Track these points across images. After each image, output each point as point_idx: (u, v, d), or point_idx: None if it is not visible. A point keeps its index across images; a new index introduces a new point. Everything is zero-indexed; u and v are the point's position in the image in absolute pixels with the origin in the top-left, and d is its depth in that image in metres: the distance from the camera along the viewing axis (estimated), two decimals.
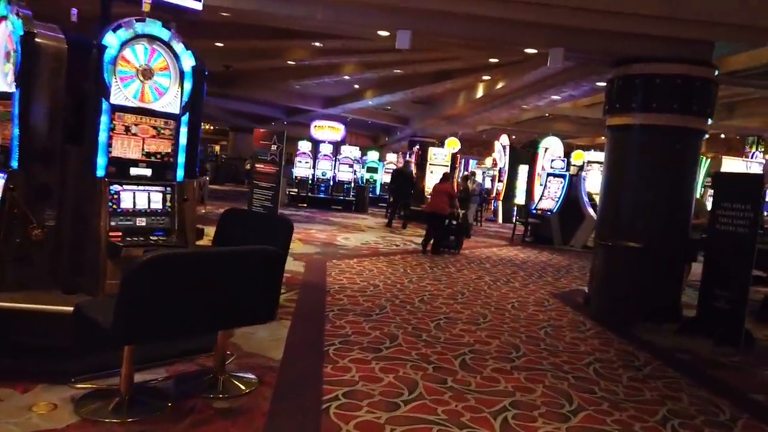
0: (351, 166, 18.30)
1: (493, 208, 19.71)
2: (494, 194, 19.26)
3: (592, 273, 6.90)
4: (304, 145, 18.24)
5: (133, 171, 3.69)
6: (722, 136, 18.42)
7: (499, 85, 11.20)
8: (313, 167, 17.97)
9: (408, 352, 4.37)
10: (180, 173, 3.88)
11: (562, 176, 13.37)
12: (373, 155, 22.26)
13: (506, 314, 5.97)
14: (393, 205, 14.41)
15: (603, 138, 24.58)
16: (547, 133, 18.04)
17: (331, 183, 17.90)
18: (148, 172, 3.74)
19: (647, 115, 6.34)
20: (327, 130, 18.39)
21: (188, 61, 3.78)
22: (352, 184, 18.25)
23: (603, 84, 8.82)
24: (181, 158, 3.87)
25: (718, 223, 5.82)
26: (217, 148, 37.01)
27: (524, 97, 11.26)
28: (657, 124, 6.31)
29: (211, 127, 35.38)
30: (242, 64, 12.71)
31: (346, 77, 13.08)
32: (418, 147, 20.46)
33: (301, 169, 18.13)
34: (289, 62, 11.65)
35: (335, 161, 17.97)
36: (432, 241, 9.75)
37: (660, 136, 6.33)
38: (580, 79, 8.59)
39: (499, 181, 18.51)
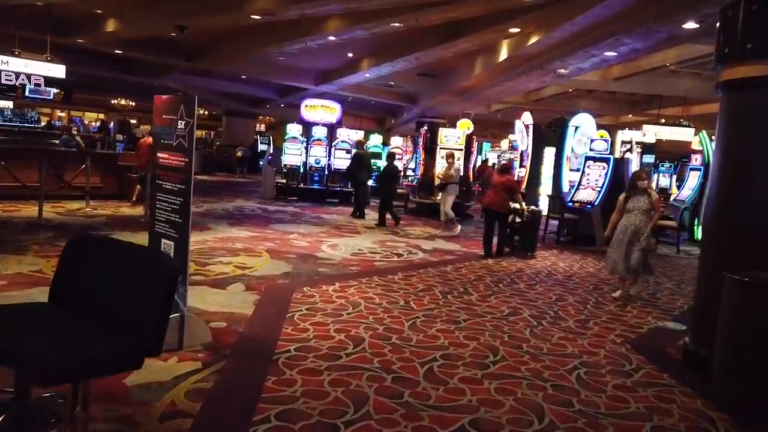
0: (349, 152, 15.73)
1: None
2: None
3: (700, 313, 4.39)
4: (294, 128, 15.68)
5: None
6: None
7: (532, 41, 8.50)
8: (306, 154, 15.43)
9: None
10: None
11: (605, 160, 10.76)
12: (375, 139, 19.63)
13: (575, 402, 3.49)
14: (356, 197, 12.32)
15: (630, 116, 21.88)
16: (570, 111, 15.51)
17: (326, 172, 15.39)
18: None
19: None
20: (320, 110, 15.77)
21: None
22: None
23: (692, 26, 6.21)
24: None
25: None
26: (213, 133, 34.75)
27: (564, 56, 8.54)
28: None
29: (205, 112, 32.95)
30: (197, 22, 10.04)
31: (332, 38, 10.42)
32: (425, 128, 17.84)
33: (291, 156, 15.57)
34: (254, 16, 9.04)
35: (330, 147, 15.42)
36: (495, 243, 8.45)
37: None
38: (658, 19, 5.91)
39: (521, 166, 15.90)
